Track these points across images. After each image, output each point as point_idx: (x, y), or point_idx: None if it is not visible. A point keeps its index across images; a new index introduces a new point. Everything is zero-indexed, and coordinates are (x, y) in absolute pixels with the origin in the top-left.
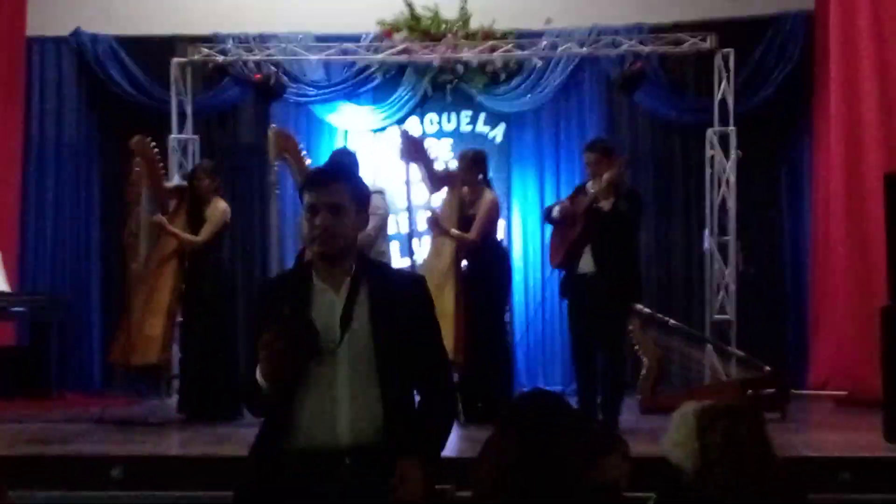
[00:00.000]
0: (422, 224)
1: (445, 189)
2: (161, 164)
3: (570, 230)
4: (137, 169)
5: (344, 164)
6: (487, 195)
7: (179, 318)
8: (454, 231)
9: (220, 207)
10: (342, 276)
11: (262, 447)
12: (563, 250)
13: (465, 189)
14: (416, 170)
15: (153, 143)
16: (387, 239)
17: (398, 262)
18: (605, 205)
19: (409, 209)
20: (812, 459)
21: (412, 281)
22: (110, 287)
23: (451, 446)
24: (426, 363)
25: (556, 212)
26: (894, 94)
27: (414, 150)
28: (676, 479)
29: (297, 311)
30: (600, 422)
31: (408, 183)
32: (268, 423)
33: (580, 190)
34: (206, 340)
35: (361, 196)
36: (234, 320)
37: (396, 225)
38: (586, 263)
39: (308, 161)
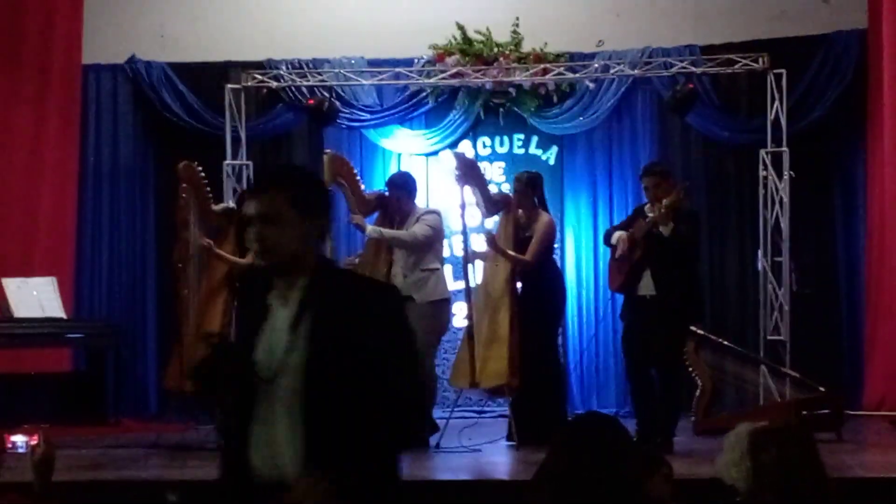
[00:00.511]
0: (476, 246)
1: (499, 213)
2: (208, 189)
3: (630, 253)
4: (184, 195)
5: (285, 171)
6: (544, 217)
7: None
8: (510, 252)
9: None
10: (293, 290)
11: (220, 478)
12: (623, 273)
13: (520, 212)
14: (470, 193)
15: (200, 168)
16: (440, 258)
17: (452, 284)
18: (665, 230)
19: (464, 232)
20: (867, 480)
21: (379, 292)
22: (166, 313)
23: (504, 469)
24: (384, 379)
25: (614, 238)
26: None
27: (469, 172)
28: (730, 500)
29: (227, 339)
30: (656, 443)
31: (463, 206)
32: (224, 453)
33: (639, 212)
34: None
35: (307, 202)
36: None
37: (450, 248)
38: (646, 286)
39: (363, 186)
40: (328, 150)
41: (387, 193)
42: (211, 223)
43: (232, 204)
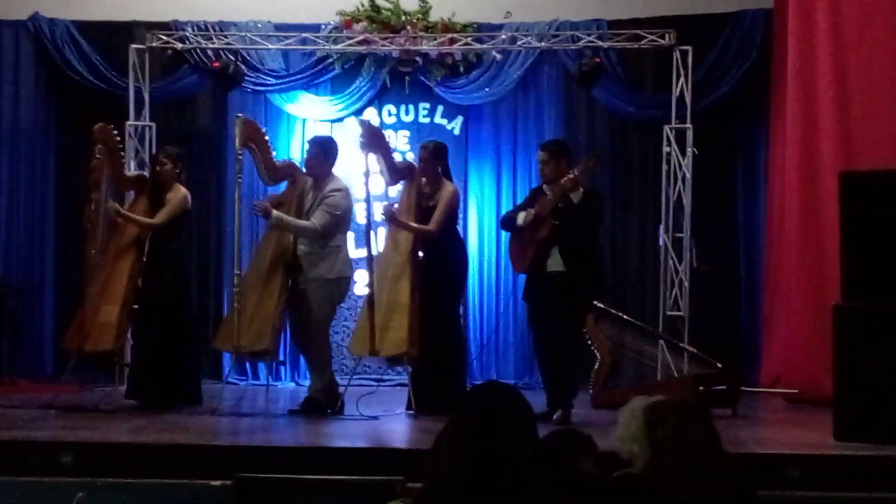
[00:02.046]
0: (379, 215)
1: (403, 181)
2: (123, 153)
3: (535, 232)
4: (99, 156)
5: None
6: (448, 186)
7: (135, 306)
8: (413, 224)
9: (180, 193)
10: None
11: None
12: (530, 253)
13: (424, 181)
14: (374, 161)
15: (115, 132)
16: (344, 234)
17: (354, 252)
18: (575, 197)
19: (368, 200)
20: (762, 456)
21: None
22: (64, 273)
23: (402, 437)
24: None
25: (521, 219)
26: (850, 92)
27: (374, 140)
28: (626, 472)
29: None
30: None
31: (367, 174)
32: None
33: (538, 191)
34: (162, 328)
35: None
36: (190, 309)
37: (354, 216)
38: (555, 262)
39: (274, 153)
40: (241, 115)
41: (296, 163)
42: (123, 187)
43: (143, 171)
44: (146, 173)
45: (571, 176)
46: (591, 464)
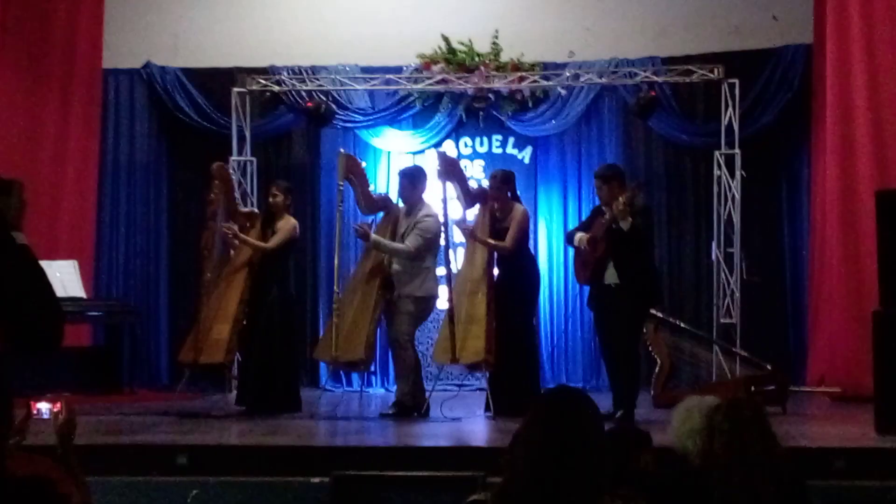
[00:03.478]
0: (457, 236)
1: (478, 205)
2: (235, 188)
3: (594, 250)
4: (216, 191)
5: None
6: (519, 208)
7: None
8: (490, 240)
9: (290, 222)
10: None
11: None
12: (589, 268)
13: (496, 205)
14: (451, 188)
15: (231, 169)
16: (434, 256)
17: (438, 271)
18: (624, 225)
19: (446, 223)
20: (810, 450)
21: None
22: (177, 294)
23: (482, 437)
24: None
25: (576, 241)
26: (885, 119)
27: (450, 169)
28: (683, 466)
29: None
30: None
31: (444, 200)
32: None
33: (597, 212)
34: (269, 341)
35: None
36: (294, 325)
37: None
38: (611, 276)
39: (371, 186)
40: (342, 150)
41: (391, 197)
42: (235, 220)
43: (254, 209)
44: (255, 210)
45: (620, 205)
46: (650, 459)
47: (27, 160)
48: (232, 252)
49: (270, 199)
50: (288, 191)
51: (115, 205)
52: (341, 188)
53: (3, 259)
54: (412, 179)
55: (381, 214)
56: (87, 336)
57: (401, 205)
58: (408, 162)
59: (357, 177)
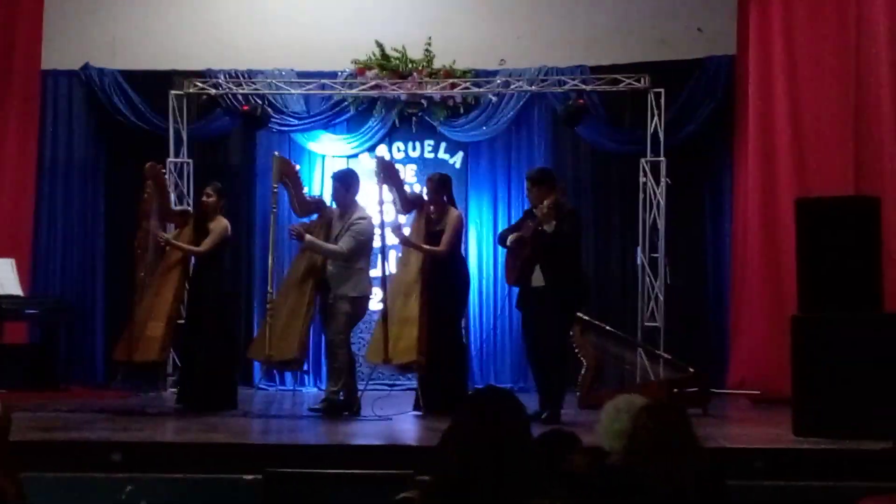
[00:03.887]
0: (390, 239)
1: (413, 210)
2: (169, 188)
3: (521, 251)
4: (149, 191)
5: None
6: (454, 212)
7: (181, 321)
8: (423, 246)
9: (222, 223)
10: None
11: None
12: (517, 269)
13: (432, 208)
14: (388, 192)
15: (163, 170)
16: (367, 257)
17: (371, 273)
18: (548, 227)
19: (382, 226)
20: (730, 450)
21: None
22: (113, 292)
23: (412, 435)
24: None
25: (509, 241)
26: (805, 128)
27: (388, 174)
28: (609, 465)
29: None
30: (546, 415)
31: (381, 203)
32: None
33: (528, 214)
34: (209, 339)
35: None
36: (235, 322)
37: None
38: (537, 278)
39: (305, 189)
40: (276, 153)
41: (324, 199)
42: (168, 219)
43: (187, 207)
44: (189, 208)
45: (545, 206)
46: (581, 459)
47: None
48: (166, 251)
49: (203, 199)
50: (220, 192)
51: (52, 204)
52: (275, 190)
53: None
54: (345, 182)
55: (314, 216)
56: (23, 334)
57: (334, 207)
58: (342, 165)
59: (291, 179)
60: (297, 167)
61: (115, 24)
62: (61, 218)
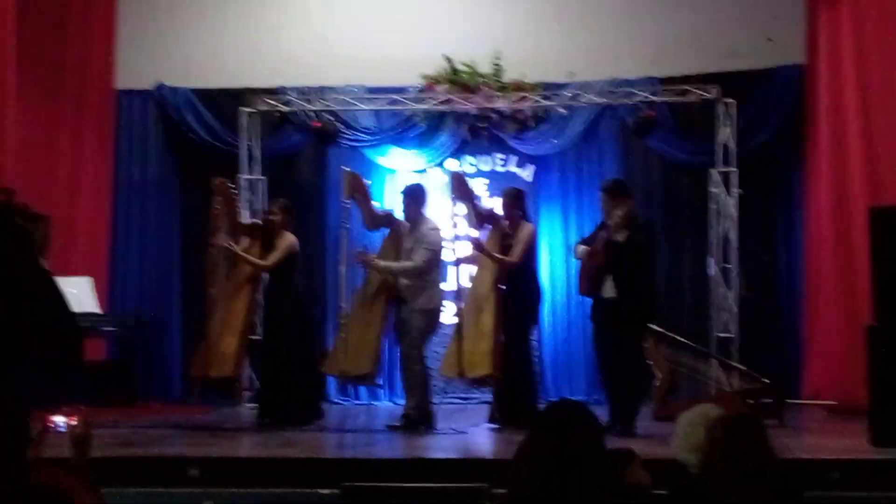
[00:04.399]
0: (463, 253)
1: (486, 225)
2: (238, 203)
3: (592, 262)
4: (217, 206)
5: None
6: (527, 226)
7: (258, 337)
8: (495, 254)
9: (288, 239)
10: None
11: None
12: (588, 280)
13: (506, 223)
14: (462, 207)
15: (233, 186)
16: (439, 269)
17: (442, 286)
18: (620, 237)
19: (455, 241)
20: (805, 461)
21: None
22: (189, 309)
23: (487, 449)
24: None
25: (578, 253)
26: (877, 135)
27: (462, 189)
28: (685, 477)
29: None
30: (620, 428)
31: (454, 217)
32: None
33: (602, 225)
34: (287, 355)
35: None
36: (312, 337)
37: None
38: (608, 289)
39: (375, 203)
40: (346, 168)
41: (394, 214)
42: (239, 234)
43: (257, 220)
44: (259, 221)
45: (618, 215)
46: (643, 472)
47: (43, 178)
48: (237, 266)
49: (270, 218)
50: (286, 209)
51: (128, 222)
52: (347, 206)
53: (31, 282)
54: (414, 196)
55: (385, 231)
56: (101, 351)
57: (404, 221)
58: (412, 180)
59: (361, 194)
60: (368, 182)
61: (188, 43)
62: (137, 236)
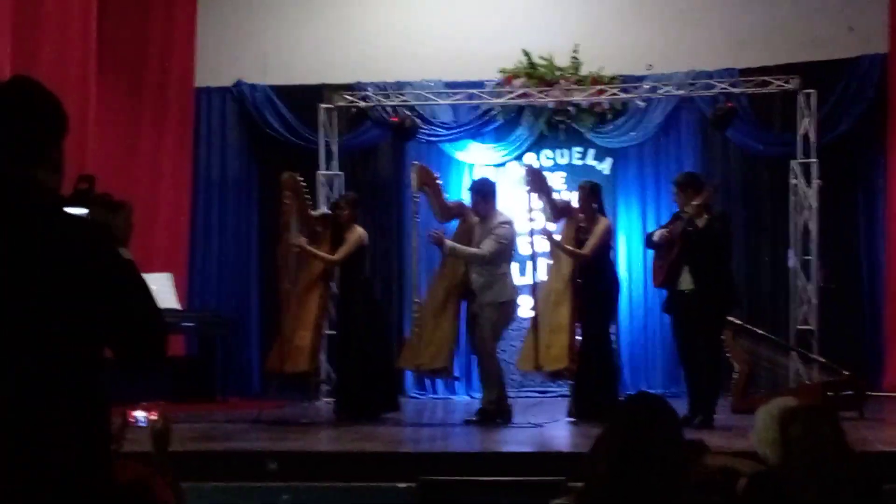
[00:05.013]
0: (540, 246)
1: (563, 218)
2: (308, 196)
3: (669, 252)
4: (287, 202)
5: None
6: (602, 220)
7: (332, 331)
8: (568, 247)
9: (356, 232)
10: None
11: None
12: (664, 271)
13: (582, 216)
14: (537, 200)
15: (301, 178)
16: (509, 262)
17: (519, 280)
18: (700, 222)
19: (531, 234)
20: (886, 454)
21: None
22: (267, 305)
23: (564, 442)
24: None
25: (656, 236)
26: None
27: (538, 182)
28: (763, 471)
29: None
30: (699, 420)
31: (531, 211)
32: None
33: (676, 217)
34: (361, 349)
35: None
36: (385, 330)
37: (518, 248)
38: (685, 281)
39: (446, 195)
40: (416, 162)
41: (466, 203)
42: (310, 227)
43: (328, 210)
44: (329, 211)
45: (696, 203)
46: (715, 464)
47: (125, 175)
48: (309, 262)
49: (337, 212)
50: (354, 202)
51: (207, 218)
52: (416, 199)
53: (112, 273)
54: (482, 192)
55: (457, 222)
56: (181, 346)
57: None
58: (489, 174)
59: (431, 186)
60: (437, 174)
61: (266, 40)
62: (216, 232)
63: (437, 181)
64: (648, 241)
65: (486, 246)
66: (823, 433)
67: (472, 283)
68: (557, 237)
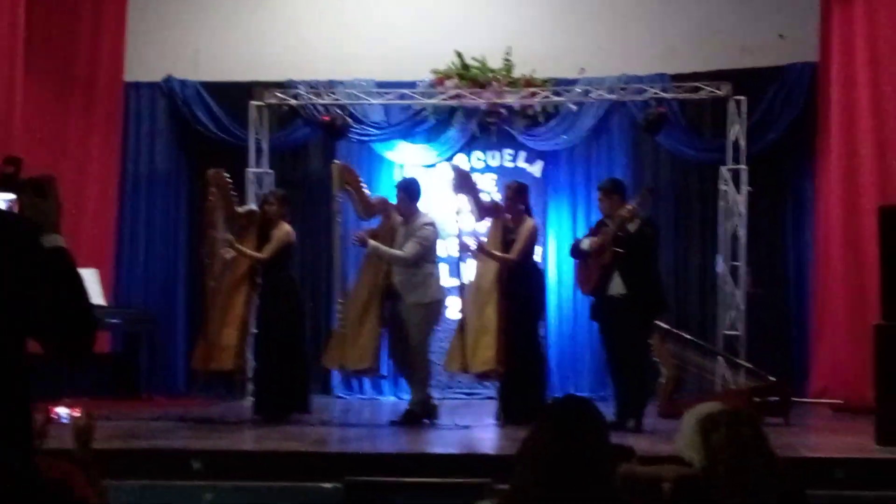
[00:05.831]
0: (467, 247)
1: (489, 218)
2: (234, 192)
3: (599, 258)
4: (212, 198)
5: None
6: (528, 221)
7: (254, 330)
8: (495, 252)
9: (284, 229)
10: None
11: None
12: (595, 277)
13: (508, 217)
14: (464, 200)
15: (227, 174)
16: (434, 262)
17: (448, 281)
18: (632, 227)
19: (459, 235)
20: (810, 459)
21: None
22: (194, 302)
23: (491, 444)
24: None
25: (586, 244)
26: (888, 135)
27: (464, 182)
28: (687, 477)
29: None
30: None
31: (457, 212)
32: None
33: (601, 224)
34: (280, 347)
35: None
36: (304, 329)
37: (445, 249)
38: (616, 286)
39: (368, 192)
40: (336, 161)
41: (389, 200)
42: (236, 223)
43: (254, 206)
44: (255, 208)
45: (630, 207)
46: (643, 469)
47: (52, 168)
48: (235, 259)
49: (265, 208)
50: (283, 199)
51: (135, 215)
52: (338, 199)
53: (31, 268)
54: (408, 191)
55: (379, 219)
56: (106, 343)
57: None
58: (419, 174)
59: (352, 185)
60: (358, 172)
61: (197, 36)
62: (144, 229)
63: (359, 180)
64: (575, 250)
65: (409, 248)
66: (745, 438)
67: (395, 283)
68: (484, 239)
